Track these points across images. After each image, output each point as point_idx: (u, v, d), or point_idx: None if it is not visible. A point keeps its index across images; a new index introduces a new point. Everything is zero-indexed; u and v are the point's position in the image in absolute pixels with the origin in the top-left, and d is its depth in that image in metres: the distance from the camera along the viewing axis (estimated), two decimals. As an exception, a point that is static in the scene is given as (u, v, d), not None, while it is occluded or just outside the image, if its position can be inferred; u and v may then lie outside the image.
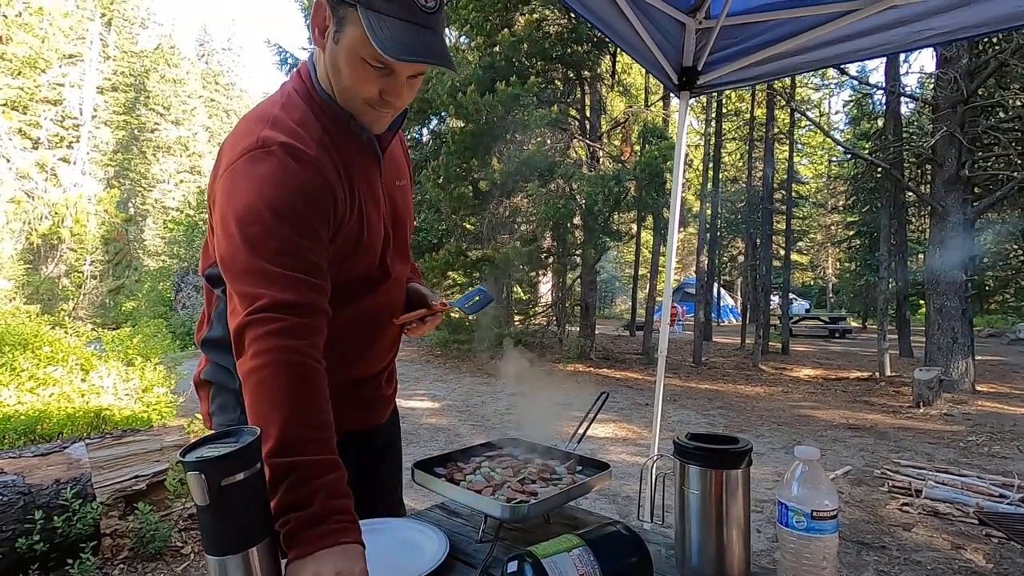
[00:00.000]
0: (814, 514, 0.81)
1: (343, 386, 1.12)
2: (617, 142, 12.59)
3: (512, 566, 0.79)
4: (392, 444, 1.34)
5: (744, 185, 17.60)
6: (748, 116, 16.65)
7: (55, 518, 2.40)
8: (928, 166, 10.30)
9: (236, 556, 0.67)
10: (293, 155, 0.89)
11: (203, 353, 1.12)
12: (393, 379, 1.30)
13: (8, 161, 21.60)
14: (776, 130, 15.11)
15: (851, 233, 21.00)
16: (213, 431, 0.97)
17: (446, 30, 10.62)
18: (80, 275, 23.13)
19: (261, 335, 0.81)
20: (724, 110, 16.77)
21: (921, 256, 17.40)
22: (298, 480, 0.75)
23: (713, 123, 14.86)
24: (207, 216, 1.05)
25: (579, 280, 11.39)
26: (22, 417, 3.48)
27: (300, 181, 0.88)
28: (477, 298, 1.24)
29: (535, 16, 9.70)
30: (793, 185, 17.03)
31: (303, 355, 0.83)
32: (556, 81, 10.92)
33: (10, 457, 2.60)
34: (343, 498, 0.78)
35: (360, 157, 1.02)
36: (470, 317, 10.64)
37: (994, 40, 8.60)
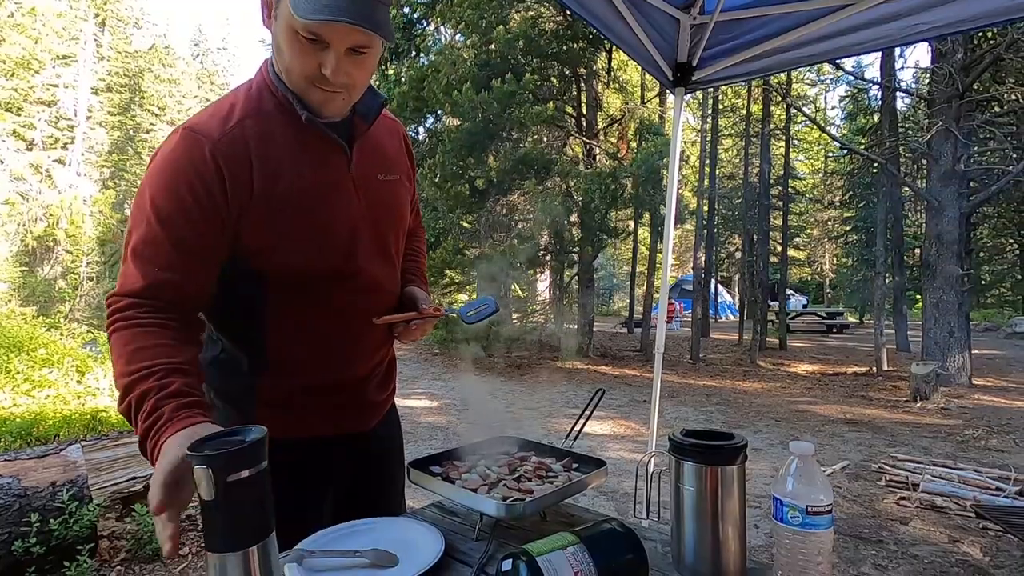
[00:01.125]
0: (809, 509, 0.81)
1: (323, 389, 1.09)
2: (613, 139, 12.57)
3: (507, 564, 0.78)
4: (388, 447, 1.30)
5: (741, 181, 17.60)
6: (744, 112, 16.63)
7: (51, 521, 2.39)
8: (924, 161, 10.32)
9: (236, 554, 0.67)
10: (188, 139, 0.92)
11: None
12: (388, 385, 1.26)
13: (2, 163, 21.50)
14: (772, 126, 15.13)
15: (848, 228, 21.02)
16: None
17: (445, 24, 10.46)
18: (76, 277, 23.04)
19: (110, 313, 0.90)
20: (720, 106, 16.75)
21: (917, 251, 17.44)
22: (139, 409, 0.81)
23: (709, 119, 14.85)
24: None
25: (576, 277, 11.39)
26: (18, 419, 3.47)
27: (182, 165, 0.91)
28: (483, 306, 1.21)
29: (530, 13, 9.69)
30: (790, 181, 17.05)
31: (136, 322, 0.89)
32: (552, 78, 10.90)
33: (6, 460, 2.59)
34: (176, 399, 0.81)
35: (304, 143, 0.99)
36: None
37: (989, 35, 8.62)
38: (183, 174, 0.91)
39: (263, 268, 0.99)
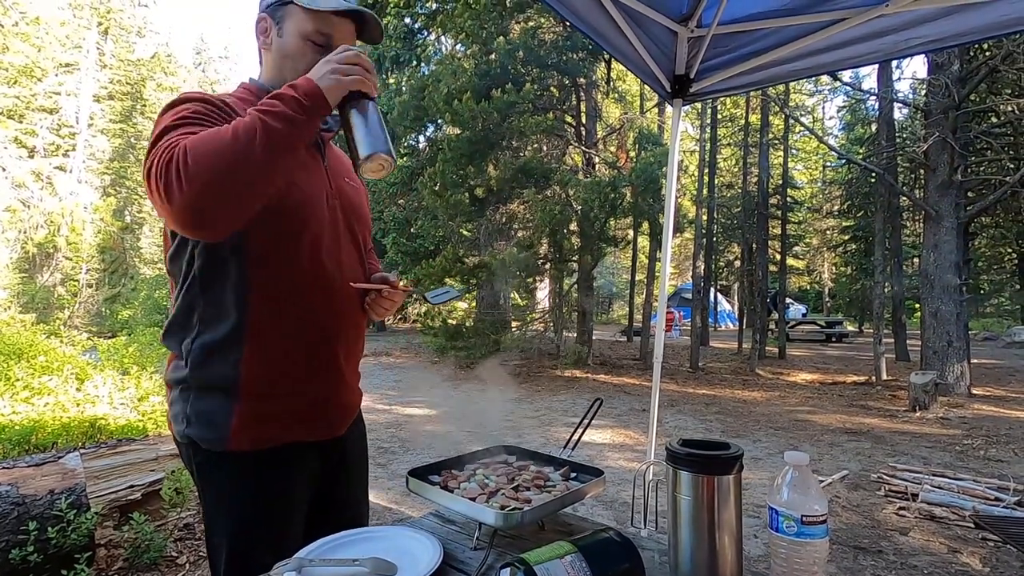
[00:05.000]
0: (804, 519, 0.82)
1: (301, 372, 1.11)
2: (613, 148, 12.64)
3: (505, 573, 0.79)
4: (356, 460, 1.29)
5: (740, 190, 17.67)
6: (743, 122, 16.74)
7: (49, 529, 2.39)
8: (921, 171, 10.35)
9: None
10: (187, 94, 1.05)
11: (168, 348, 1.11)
12: (358, 379, 1.27)
13: (4, 170, 21.56)
14: (771, 136, 15.19)
15: (846, 237, 21.09)
16: (175, 436, 1.09)
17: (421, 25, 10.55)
18: (76, 284, 23.05)
19: (164, 151, 0.89)
20: (719, 116, 16.86)
21: (916, 260, 17.47)
22: (269, 113, 0.92)
23: (708, 129, 14.93)
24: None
25: (576, 286, 11.41)
26: (16, 427, 3.46)
27: (192, 95, 1.04)
28: (447, 291, 1.32)
29: (530, 24, 9.77)
30: (788, 190, 17.11)
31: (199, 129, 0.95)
32: (551, 88, 10.97)
33: (4, 467, 2.58)
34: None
35: None
36: (468, 323, 10.64)
37: (985, 47, 8.70)
38: (194, 98, 1.03)
39: (249, 232, 1.02)
